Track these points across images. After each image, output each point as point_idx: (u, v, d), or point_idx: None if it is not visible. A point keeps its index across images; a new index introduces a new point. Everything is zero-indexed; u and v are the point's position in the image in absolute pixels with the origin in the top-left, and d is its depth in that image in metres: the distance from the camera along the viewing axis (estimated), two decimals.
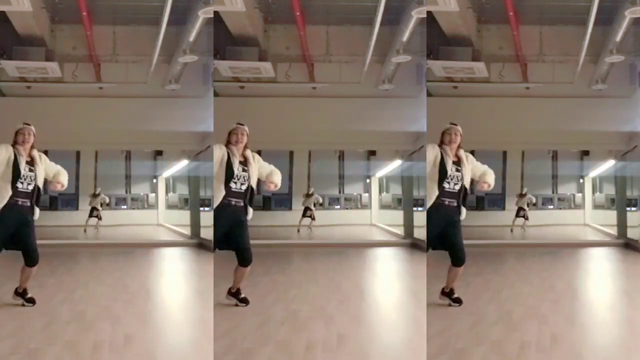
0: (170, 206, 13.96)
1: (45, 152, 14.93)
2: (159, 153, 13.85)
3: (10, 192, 6.28)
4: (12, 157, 6.33)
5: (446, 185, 6.39)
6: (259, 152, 15.43)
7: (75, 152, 13.45)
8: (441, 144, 6.52)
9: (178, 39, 10.57)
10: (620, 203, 12.38)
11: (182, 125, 11.25)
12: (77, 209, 13.97)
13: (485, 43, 10.91)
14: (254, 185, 6.47)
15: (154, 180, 14.32)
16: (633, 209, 12.14)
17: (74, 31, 10.80)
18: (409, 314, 6.40)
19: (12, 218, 6.34)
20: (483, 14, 10.73)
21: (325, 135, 11.32)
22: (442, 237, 6.48)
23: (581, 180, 13.93)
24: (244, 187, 6.41)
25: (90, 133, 10.63)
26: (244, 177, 6.42)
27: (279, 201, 14.16)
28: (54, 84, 11.02)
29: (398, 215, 12.55)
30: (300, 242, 12.14)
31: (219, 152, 6.40)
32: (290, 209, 14.00)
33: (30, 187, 6.37)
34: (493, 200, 13.68)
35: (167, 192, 14.18)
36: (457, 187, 6.42)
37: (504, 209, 13.41)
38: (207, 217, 12.15)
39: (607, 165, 12.85)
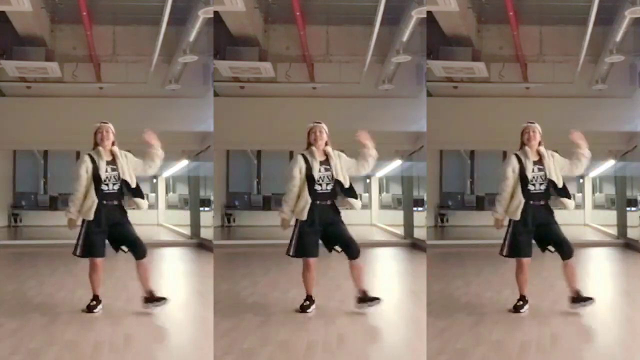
0: (170, 206, 13.97)
1: (45, 152, 15.07)
2: None
3: (96, 200, 6.19)
4: (91, 166, 6.24)
5: (531, 187, 6.26)
6: (259, 152, 15.56)
7: (75, 152, 13.46)
8: (521, 145, 6.38)
9: (178, 39, 10.57)
10: (620, 203, 12.38)
11: (182, 125, 11.25)
12: None
13: (485, 43, 10.91)
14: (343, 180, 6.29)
15: (154, 180, 14.32)
16: (633, 209, 12.13)
17: (74, 31, 10.81)
18: (409, 314, 6.40)
19: (102, 222, 6.25)
20: (483, 14, 10.74)
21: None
22: (541, 240, 6.34)
23: (581, 180, 13.93)
24: (330, 187, 6.30)
25: (90, 133, 10.61)
26: (327, 177, 6.29)
27: (279, 201, 14.12)
28: (54, 84, 11.03)
29: (398, 215, 12.55)
30: None
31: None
32: None
33: (117, 187, 6.27)
34: (493, 200, 13.66)
35: (167, 192, 14.19)
36: (544, 187, 6.28)
37: None
38: (207, 217, 12.15)
39: (607, 165, 12.85)
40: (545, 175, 6.28)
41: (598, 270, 9.71)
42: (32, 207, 14.22)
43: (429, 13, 9.70)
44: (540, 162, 6.31)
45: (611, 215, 12.55)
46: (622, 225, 12.09)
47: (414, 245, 11.37)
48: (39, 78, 11.00)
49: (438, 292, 7.21)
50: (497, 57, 10.93)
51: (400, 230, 12.27)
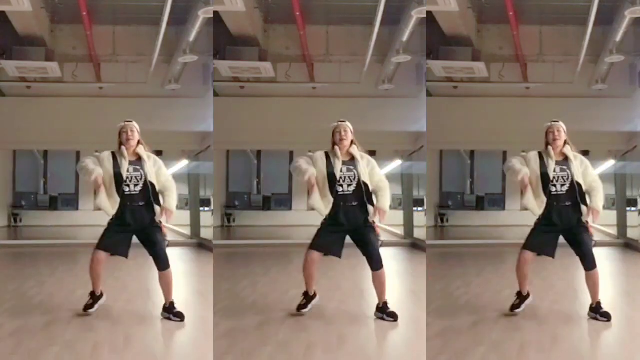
0: None
1: (45, 152, 15.06)
2: (159, 153, 13.78)
3: (118, 199, 6.02)
4: (111, 163, 6.07)
5: (552, 188, 6.04)
6: (259, 152, 15.53)
7: (75, 152, 13.47)
8: (546, 145, 6.18)
9: (178, 39, 10.57)
10: (620, 203, 12.38)
11: (182, 125, 11.25)
12: (77, 209, 13.97)
13: (485, 43, 10.91)
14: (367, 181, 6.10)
15: None
16: (633, 209, 12.13)
17: (74, 31, 10.80)
18: (409, 314, 6.40)
19: (126, 221, 6.09)
20: (483, 14, 10.73)
21: (325, 135, 11.30)
22: (568, 242, 6.19)
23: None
24: (352, 188, 6.13)
25: (90, 133, 10.63)
26: (349, 177, 6.15)
27: (279, 201, 14.16)
28: (54, 84, 11.02)
29: (398, 215, 12.54)
30: (300, 242, 12.13)
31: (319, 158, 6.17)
32: (290, 209, 14.00)
33: (139, 188, 6.11)
34: (493, 200, 13.68)
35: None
36: (566, 188, 6.05)
37: (504, 209, 13.41)
38: (207, 217, 12.15)
39: (607, 165, 12.85)
40: (569, 176, 6.05)
41: (598, 270, 9.69)
42: (32, 207, 14.21)
43: (429, 13, 9.69)
44: (565, 162, 6.10)
45: (611, 215, 12.54)
46: (622, 225, 12.09)
47: (414, 245, 11.37)
48: (39, 78, 10.99)
49: (438, 292, 7.21)
50: (497, 57, 10.92)
51: (400, 230, 12.27)
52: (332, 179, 6.12)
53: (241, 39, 10.68)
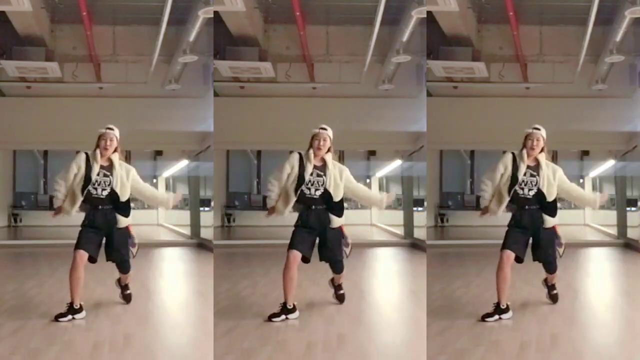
0: None
1: (46, 152, 15.04)
2: (159, 153, 13.84)
3: (80, 199, 6.18)
4: (84, 164, 6.24)
5: (520, 191, 6.11)
6: (259, 152, 15.50)
7: (75, 152, 13.44)
8: (522, 147, 6.16)
9: (178, 39, 10.57)
10: (620, 203, 12.38)
11: (182, 125, 11.25)
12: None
13: (485, 43, 10.91)
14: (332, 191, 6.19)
15: (154, 180, 14.32)
16: (633, 209, 12.13)
17: (74, 31, 10.80)
18: (409, 314, 6.41)
19: (96, 224, 6.23)
20: (483, 14, 10.73)
21: None
22: (532, 245, 6.29)
23: (581, 180, 13.93)
24: (318, 193, 6.20)
25: (90, 133, 10.61)
26: (318, 182, 6.20)
27: None
28: (54, 84, 11.02)
29: (398, 215, 12.55)
30: None
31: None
32: None
33: (105, 193, 6.21)
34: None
35: (167, 192, 14.19)
36: (532, 193, 6.12)
37: None
38: (207, 217, 12.15)
39: (607, 165, 12.86)
40: (537, 182, 6.11)
41: (598, 270, 9.72)
42: (32, 207, 14.21)
43: (429, 13, 9.70)
44: (536, 168, 6.13)
45: (611, 215, 12.54)
46: (622, 225, 12.09)
47: (414, 245, 11.37)
48: (39, 78, 10.99)
49: (438, 292, 7.22)
50: (497, 57, 10.92)
51: (400, 230, 12.27)
52: (301, 181, 6.17)
53: (241, 39, 10.68)
